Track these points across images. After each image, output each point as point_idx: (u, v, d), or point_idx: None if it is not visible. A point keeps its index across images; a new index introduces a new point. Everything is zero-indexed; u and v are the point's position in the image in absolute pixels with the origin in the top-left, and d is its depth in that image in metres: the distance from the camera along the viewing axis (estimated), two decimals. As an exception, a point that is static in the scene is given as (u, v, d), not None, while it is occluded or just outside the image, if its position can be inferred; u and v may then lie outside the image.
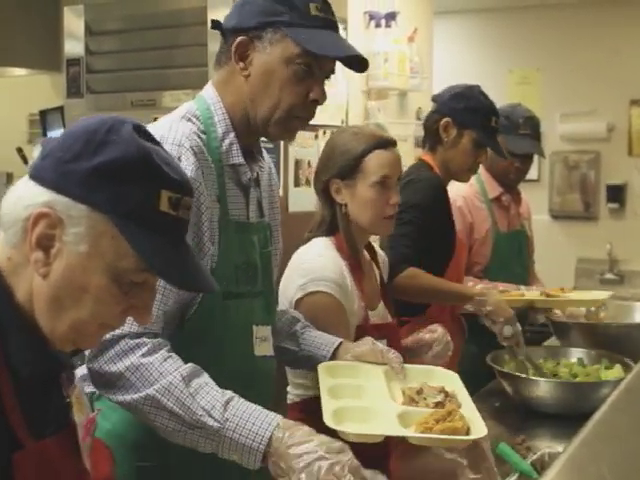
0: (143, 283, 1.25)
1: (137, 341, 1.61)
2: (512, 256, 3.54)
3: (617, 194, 6.27)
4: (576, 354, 2.84)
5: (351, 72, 1.88)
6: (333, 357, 1.94)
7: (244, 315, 1.81)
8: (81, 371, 1.81)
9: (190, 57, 3.47)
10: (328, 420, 1.59)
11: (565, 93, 6.34)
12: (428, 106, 3.52)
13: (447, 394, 1.79)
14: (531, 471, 1.90)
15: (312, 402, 1.98)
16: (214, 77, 1.87)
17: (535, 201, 4.50)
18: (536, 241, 3.84)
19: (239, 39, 1.77)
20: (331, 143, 2.34)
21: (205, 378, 1.59)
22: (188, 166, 1.68)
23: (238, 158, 1.81)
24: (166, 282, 1.30)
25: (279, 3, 1.76)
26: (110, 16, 3.78)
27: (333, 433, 1.55)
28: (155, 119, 1.85)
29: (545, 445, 2.18)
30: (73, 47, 3.81)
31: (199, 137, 1.75)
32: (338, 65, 1.86)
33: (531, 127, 3.51)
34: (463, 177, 3.06)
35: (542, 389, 2.52)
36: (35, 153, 1.25)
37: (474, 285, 3.05)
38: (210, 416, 1.54)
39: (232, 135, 1.81)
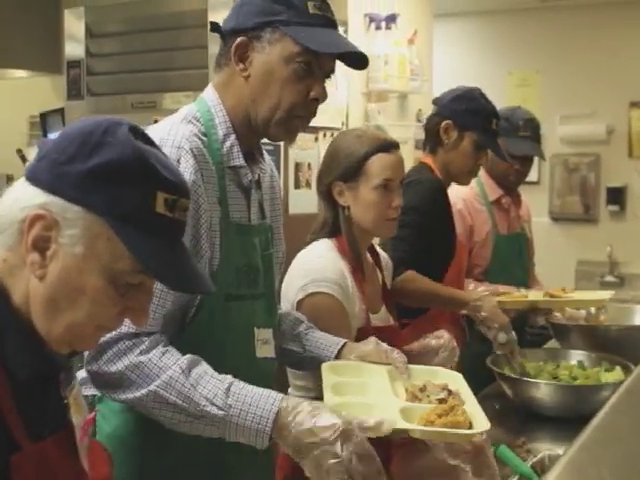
0: (139, 285, 1.25)
1: (134, 340, 1.61)
2: (512, 259, 3.54)
3: (617, 196, 6.27)
4: (576, 356, 2.84)
5: (351, 74, 1.89)
6: (337, 357, 1.94)
7: (245, 317, 1.81)
8: (81, 374, 1.82)
9: (190, 59, 3.47)
10: None
11: (565, 95, 6.34)
12: (428, 108, 3.52)
13: (450, 392, 1.79)
14: (531, 474, 1.89)
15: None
16: (214, 79, 1.87)
17: (535, 203, 4.50)
18: (536, 243, 3.84)
19: (238, 40, 1.77)
20: (334, 145, 2.34)
21: (204, 366, 1.60)
22: (187, 168, 1.68)
23: (239, 160, 1.81)
24: (162, 284, 1.30)
25: (277, 3, 1.76)
26: (110, 18, 3.78)
27: None
28: (155, 121, 1.86)
29: (545, 448, 2.18)
30: (73, 49, 3.81)
31: (200, 139, 1.75)
32: (338, 68, 1.86)
33: (531, 129, 3.52)
34: (464, 179, 3.06)
35: (542, 392, 2.52)
36: (33, 155, 1.25)
37: (475, 288, 3.05)
38: (213, 405, 1.55)
39: (233, 137, 1.81)
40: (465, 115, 2.95)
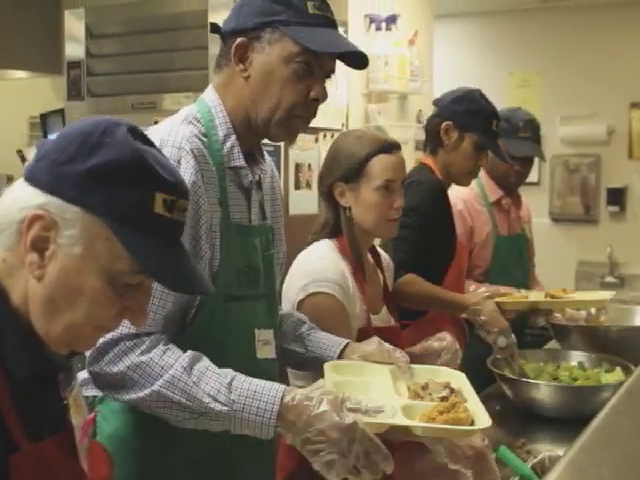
0: (138, 285, 1.25)
1: (135, 341, 1.62)
2: (512, 259, 3.54)
3: (617, 197, 6.27)
4: (576, 357, 2.84)
5: (351, 75, 1.89)
6: (340, 357, 1.94)
7: (246, 318, 1.81)
8: (82, 375, 1.82)
9: (190, 60, 3.47)
10: None
11: (565, 96, 6.34)
12: (428, 109, 3.52)
13: (452, 390, 1.79)
14: (532, 475, 1.89)
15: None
16: (214, 80, 1.86)
17: (535, 204, 4.50)
18: (536, 244, 3.84)
19: (238, 41, 1.77)
20: (335, 146, 2.34)
21: (205, 362, 1.62)
22: (188, 169, 1.68)
23: (239, 161, 1.81)
24: (160, 284, 1.30)
25: (277, 3, 1.76)
26: (111, 19, 3.78)
27: None
28: (156, 122, 1.86)
29: (545, 449, 2.18)
30: (74, 50, 3.81)
31: (200, 140, 1.75)
32: (338, 68, 1.86)
33: (531, 130, 3.52)
34: (464, 180, 3.06)
35: (542, 393, 2.52)
36: (32, 155, 1.26)
37: (476, 289, 3.05)
38: (217, 401, 1.56)
39: (233, 138, 1.81)
40: (465, 116, 2.95)
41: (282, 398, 1.55)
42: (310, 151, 3.66)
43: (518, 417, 2.57)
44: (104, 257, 1.20)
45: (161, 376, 1.59)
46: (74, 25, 3.81)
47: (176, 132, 1.73)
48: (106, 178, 1.20)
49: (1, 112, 5.28)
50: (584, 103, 6.29)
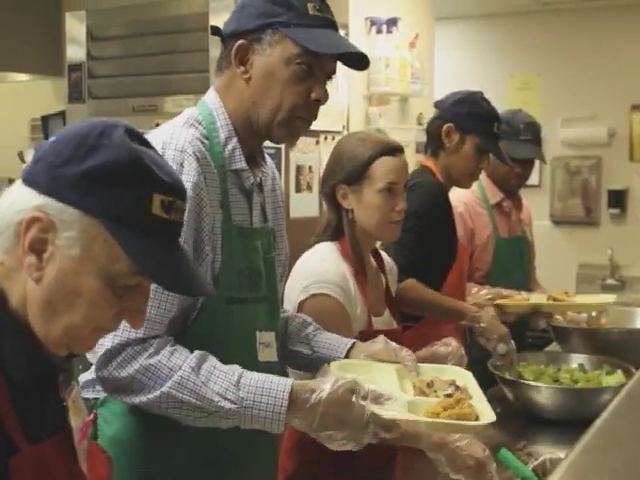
0: (136, 286, 1.24)
1: (143, 345, 1.63)
2: (513, 262, 3.54)
3: (618, 199, 6.27)
4: (577, 360, 2.84)
5: (353, 76, 1.89)
6: (347, 357, 1.94)
7: (247, 321, 1.81)
8: (84, 377, 1.82)
9: (191, 63, 3.48)
10: None
11: (566, 98, 6.34)
12: (429, 112, 3.53)
13: (458, 387, 1.79)
14: (532, 477, 1.89)
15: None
16: (215, 82, 1.87)
17: (536, 207, 4.50)
18: (537, 247, 3.84)
19: (238, 43, 1.77)
20: (338, 149, 2.35)
21: (212, 361, 1.63)
22: (190, 172, 1.68)
23: (241, 163, 1.81)
24: (159, 285, 1.30)
25: (277, 4, 1.76)
26: (112, 22, 3.79)
27: None
28: (157, 124, 1.87)
29: (546, 451, 2.18)
30: (75, 52, 3.82)
31: (202, 142, 1.75)
32: (339, 71, 1.86)
33: (532, 132, 3.52)
34: (465, 183, 3.06)
35: (543, 395, 2.52)
36: (29, 157, 1.26)
37: (478, 291, 3.05)
38: (226, 399, 1.58)
39: (235, 140, 1.81)
40: (467, 118, 2.95)
41: (290, 392, 1.57)
42: (311, 153, 3.66)
43: (519, 419, 2.57)
44: (102, 259, 1.20)
45: (170, 377, 1.60)
46: (75, 27, 3.82)
47: (178, 135, 1.73)
48: (103, 180, 1.20)
49: (2, 114, 5.28)
50: (585, 105, 6.29)
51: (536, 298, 3.11)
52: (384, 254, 2.52)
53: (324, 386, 1.57)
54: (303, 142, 3.55)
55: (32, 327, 1.22)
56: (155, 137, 1.71)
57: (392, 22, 4.33)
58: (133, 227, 1.20)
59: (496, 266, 3.44)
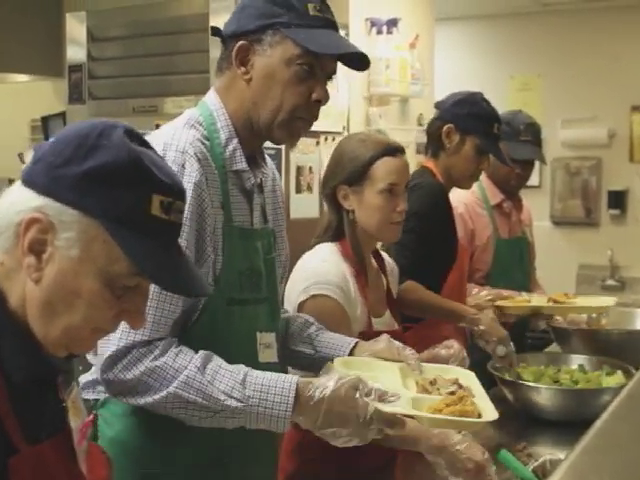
0: (136, 287, 1.24)
1: (148, 347, 1.63)
2: (513, 263, 3.54)
3: (618, 200, 6.27)
4: (577, 360, 2.84)
5: (353, 77, 1.89)
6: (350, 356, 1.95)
7: (248, 322, 1.81)
8: (84, 378, 1.82)
9: (192, 63, 3.48)
10: None
11: (566, 99, 6.34)
12: (429, 112, 3.53)
13: (460, 386, 1.79)
14: (532, 478, 1.89)
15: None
16: (216, 83, 1.86)
17: (536, 207, 4.50)
18: (537, 247, 3.84)
19: (239, 44, 1.77)
20: (339, 149, 2.35)
21: (217, 360, 1.64)
22: (192, 173, 1.69)
23: (242, 164, 1.81)
24: (158, 286, 1.30)
25: (277, 5, 1.76)
26: (112, 22, 3.79)
27: None
28: (157, 125, 1.87)
29: (546, 452, 2.18)
30: (75, 53, 3.82)
31: (202, 143, 1.75)
32: (339, 72, 1.86)
33: (532, 133, 3.52)
34: (465, 184, 3.06)
35: (543, 396, 2.52)
36: (29, 158, 1.26)
37: (478, 292, 3.05)
38: (232, 398, 1.59)
39: (235, 141, 1.81)
40: (467, 119, 2.95)
41: (296, 390, 1.58)
42: (311, 154, 3.66)
43: (519, 420, 2.57)
44: (101, 259, 1.20)
45: (176, 378, 1.60)
46: (76, 28, 3.82)
47: (179, 136, 1.73)
48: (103, 180, 1.19)
49: (2, 115, 5.28)
50: (585, 106, 6.29)
51: (536, 300, 3.11)
52: (385, 255, 2.52)
53: (328, 383, 1.58)
54: (303, 143, 3.55)
55: (31, 328, 1.22)
56: (156, 138, 1.71)
57: (392, 23, 4.33)
58: (132, 228, 1.20)
59: (496, 267, 3.44)
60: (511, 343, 2.68)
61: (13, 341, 1.21)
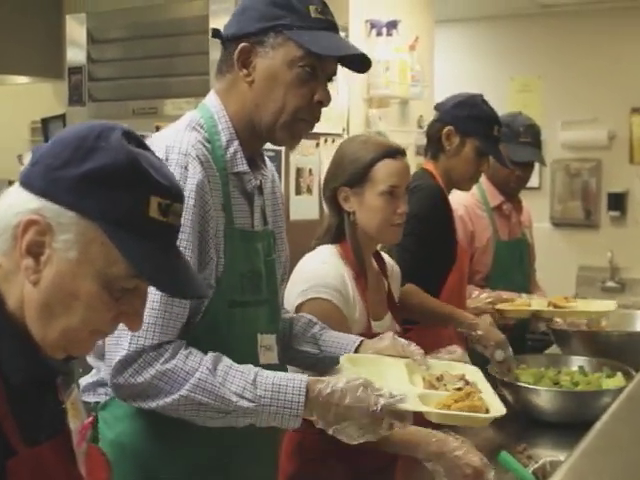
0: (134, 289, 1.24)
1: (158, 351, 1.63)
2: (513, 264, 3.54)
3: (618, 202, 6.27)
4: (577, 362, 2.83)
5: (353, 79, 1.89)
6: None
7: (249, 324, 1.81)
8: (85, 381, 1.82)
9: (192, 65, 3.48)
10: None
11: (566, 101, 6.34)
12: (429, 114, 3.52)
13: (467, 382, 1.80)
14: (533, 480, 1.89)
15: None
16: (216, 85, 1.86)
17: (536, 209, 4.50)
18: (537, 249, 3.84)
19: (241, 46, 1.77)
20: (340, 151, 2.35)
21: (226, 361, 1.65)
22: (195, 175, 1.69)
23: (243, 166, 1.81)
24: (156, 288, 1.30)
25: (279, 7, 1.76)
26: (112, 24, 3.79)
27: None
28: (157, 127, 1.87)
29: (546, 454, 2.18)
30: (75, 55, 3.82)
31: (204, 146, 1.75)
32: (339, 73, 1.86)
33: (532, 135, 3.52)
34: (465, 186, 3.06)
35: (543, 398, 2.52)
36: (28, 160, 1.27)
37: (479, 295, 3.05)
38: (244, 398, 1.60)
39: (236, 143, 1.81)
40: (467, 121, 2.95)
41: (306, 387, 1.60)
42: (311, 156, 3.66)
43: (519, 422, 2.56)
44: (100, 261, 1.20)
45: (187, 381, 1.61)
46: (75, 30, 3.82)
47: (181, 138, 1.73)
48: (101, 182, 1.19)
49: (2, 117, 5.29)
50: (585, 108, 6.29)
51: (536, 303, 3.10)
52: (386, 256, 2.52)
53: (338, 380, 1.60)
54: (303, 145, 3.55)
55: (30, 329, 1.22)
56: (158, 141, 1.72)
57: (392, 25, 4.33)
58: (130, 230, 1.20)
59: (496, 268, 3.44)
60: (509, 347, 2.68)
61: (11, 343, 1.21)
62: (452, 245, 2.99)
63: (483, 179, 3.37)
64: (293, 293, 2.20)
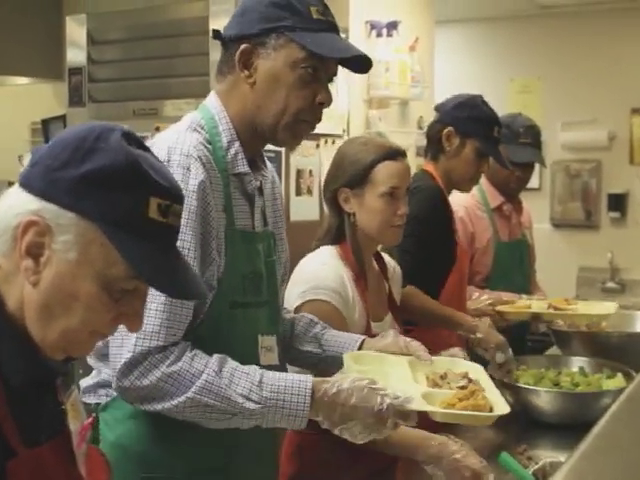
0: (134, 290, 1.24)
1: (163, 353, 1.63)
2: (513, 265, 3.54)
3: (618, 203, 6.27)
4: (577, 363, 2.83)
5: (352, 81, 1.89)
6: None
7: (250, 325, 1.81)
8: (85, 382, 1.82)
9: (192, 66, 3.48)
10: None
11: (566, 102, 6.34)
12: (429, 115, 3.53)
13: (470, 380, 1.80)
14: (533, 481, 1.89)
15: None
16: (216, 87, 1.86)
17: (536, 210, 4.50)
18: (537, 250, 3.84)
19: (242, 47, 1.77)
20: (341, 153, 2.35)
21: (231, 363, 1.65)
22: (197, 176, 1.69)
23: (243, 167, 1.81)
24: (155, 289, 1.30)
25: (280, 9, 1.75)
26: (112, 25, 3.79)
27: None
28: (157, 128, 1.87)
29: (547, 455, 2.18)
30: (75, 56, 3.82)
31: (205, 147, 1.75)
32: (340, 74, 1.86)
33: (532, 136, 3.52)
34: (465, 187, 3.06)
35: (543, 399, 2.52)
36: (27, 161, 1.27)
37: (479, 296, 3.05)
38: (250, 400, 1.61)
39: (237, 144, 1.81)
40: (467, 122, 2.95)
41: (313, 388, 1.61)
42: (311, 157, 3.66)
43: (519, 423, 2.56)
44: (99, 262, 1.20)
45: (193, 383, 1.61)
46: (76, 31, 3.82)
47: (183, 140, 1.73)
48: (100, 183, 1.19)
49: (2, 118, 5.29)
50: (585, 109, 6.29)
51: (537, 306, 3.10)
52: (387, 257, 2.52)
53: (343, 381, 1.61)
54: (303, 146, 3.54)
55: (29, 330, 1.22)
56: (160, 142, 1.72)
57: (392, 25, 4.33)
58: (130, 231, 1.20)
59: (496, 269, 3.44)
60: (510, 350, 2.68)
61: (11, 344, 1.21)
62: (452, 246, 2.99)
63: (483, 180, 3.37)
64: (293, 294, 2.20)
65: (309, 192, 3.66)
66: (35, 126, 5.13)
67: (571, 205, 6.46)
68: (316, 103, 1.79)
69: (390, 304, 2.42)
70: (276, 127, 1.79)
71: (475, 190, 3.32)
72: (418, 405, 1.62)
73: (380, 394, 1.58)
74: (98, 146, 1.21)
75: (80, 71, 3.80)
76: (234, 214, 1.79)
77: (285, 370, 2.01)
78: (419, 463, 1.95)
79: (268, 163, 1.99)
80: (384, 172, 2.26)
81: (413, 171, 3.20)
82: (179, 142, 1.72)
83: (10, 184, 1.32)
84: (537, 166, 3.68)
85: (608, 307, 3.14)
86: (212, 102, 1.84)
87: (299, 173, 3.62)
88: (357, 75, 1.94)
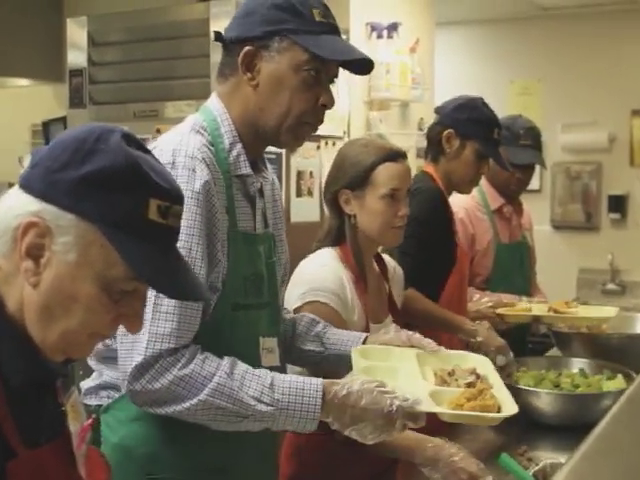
0: (134, 292, 1.24)
1: (175, 356, 1.63)
2: (514, 267, 3.54)
3: (619, 204, 6.27)
4: (578, 365, 2.83)
5: (353, 82, 1.89)
6: None
7: (251, 327, 1.82)
8: (86, 384, 1.82)
9: (192, 68, 3.48)
10: None
11: (566, 103, 6.34)
12: (430, 117, 3.53)
13: (478, 376, 1.81)
14: (533, 482, 1.89)
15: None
16: (218, 89, 1.86)
17: (537, 212, 4.50)
18: (538, 252, 3.84)
19: (245, 49, 1.77)
20: (341, 154, 2.35)
21: (241, 365, 1.66)
22: (202, 177, 1.69)
23: (246, 169, 1.81)
24: (155, 290, 1.30)
25: (283, 11, 1.76)
26: (113, 27, 3.80)
27: None
28: (157, 130, 1.87)
29: (547, 456, 2.17)
30: (76, 58, 3.83)
31: (208, 149, 1.75)
32: (340, 76, 1.87)
33: (532, 138, 3.52)
34: (465, 188, 3.06)
35: (543, 400, 2.51)
36: (27, 162, 1.27)
37: (480, 298, 3.05)
38: (262, 402, 1.62)
39: (239, 146, 1.81)
40: (467, 124, 2.95)
41: (323, 390, 1.61)
42: (312, 159, 3.67)
43: (519, 424, 2.55)
44: (99, 264, 1.20)
45: (205, 385, 1.61)
46: (76, 33, 3.83)
47: (187, 142, 1.73)
48: (100, 185, 1.19)
49: (3, 119, 5.30)
50: (585, 110, 6.29)
51: (537, 309, 3.10)
52: (388, 258, 2.52)
53: (353, 383, 1.62)
54: (304, 147, 3.55)
55: (29, 332, 1.22)
56: (163, 145, 1.72)
57: (393, 27, 4.33)
58: (130, 232, 1.20)
59: (497, 271, 3.44)
60: (510, 352, 2.68)
61: (11, 345, 1.21)
62: (452, 248, 2.99)
63: (483, 182, 3.37)
64: (292, 295, 2.20)
65: (309, 193, 3.67)
66: (35, 128, 5.14)
67: (571, 207, 6.46)
68: (319, 105, 1.80)
69: (390, 306, 2.42)
70: (279, 129, 1.79)
71: (475, 192, 3.32)
72: (427, 407, 1.62)
73: (390, 396, 1.59)
74: (98, 147, 1.21)
75: (81, 73, 3.80)
76: (236, 216, 1.79)
77: (285, 371, 2.02)
78: (417, 465, 1.95)
79: (268, 165, 1.99)
80: (385, 174, 2.26)
81: (413, 173, 3.20)
82: (183, 144, 1.72)
83: (10, 185, 1.32)
84: (537, 168, 3.68)
85: (608, 310, 3.14)
86: (214, 104, 1.84)
87: (300, 174, 3.62)
88: (358, 77, 1.95)
